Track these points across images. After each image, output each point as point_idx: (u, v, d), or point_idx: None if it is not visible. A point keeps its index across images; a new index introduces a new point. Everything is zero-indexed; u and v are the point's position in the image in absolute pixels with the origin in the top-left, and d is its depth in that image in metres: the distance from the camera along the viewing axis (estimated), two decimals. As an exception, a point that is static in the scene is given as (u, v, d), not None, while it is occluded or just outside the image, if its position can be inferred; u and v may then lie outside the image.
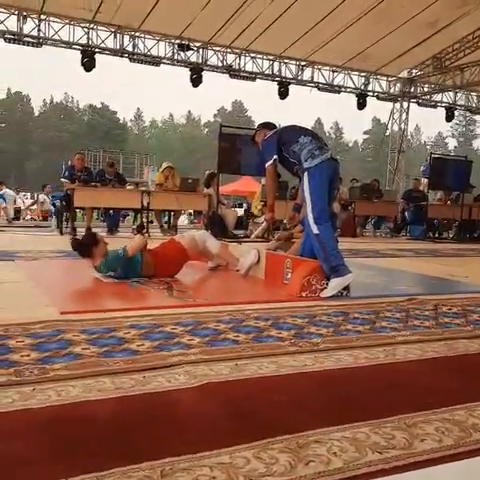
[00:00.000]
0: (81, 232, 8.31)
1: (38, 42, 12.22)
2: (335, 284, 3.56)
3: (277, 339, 2.42)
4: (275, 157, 3.89)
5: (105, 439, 1.38)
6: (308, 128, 4.14)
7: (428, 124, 73.10)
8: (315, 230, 3.64)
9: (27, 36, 12.08)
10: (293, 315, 2.95)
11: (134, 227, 9.53)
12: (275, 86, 14.95)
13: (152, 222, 10.36)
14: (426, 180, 12.01)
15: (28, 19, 11.92)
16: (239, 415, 1.57)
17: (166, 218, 10.23)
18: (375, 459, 1.31)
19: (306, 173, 3.70)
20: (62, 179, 8.55)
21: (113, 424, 1.47)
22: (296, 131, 3.94)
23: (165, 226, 9.57)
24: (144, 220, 9.22)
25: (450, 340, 2.53)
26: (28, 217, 16.59)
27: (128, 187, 9.68)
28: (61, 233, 8.43)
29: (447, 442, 1.42)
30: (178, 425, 1.49)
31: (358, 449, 1.36)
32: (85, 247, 3.90)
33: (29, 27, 12.03)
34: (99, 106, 61.06)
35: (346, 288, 3.64)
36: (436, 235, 11.56)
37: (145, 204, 8.76)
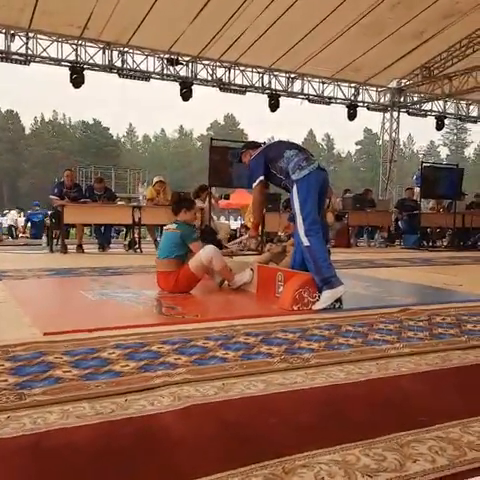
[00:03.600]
0: (72, 250, 8.25)
1: (26, 59, 12.19)
2: (327, 296, 3.50)
3: (267, 355, 2.35)
4: (261, 178, 3.91)
5: (80, 470, 1.30)
6: (293, 142, 4.14)
7: (421, 133, 73.59)
8: (306, 242, 3.59)
9: (15, 54, 12.06)
10: (284, 330, 2.88)
11: (125, 243, 9.48)
12: (266, 99, 14.98)
13: (144, 237, 10.29)
14: (419, 189, 12.02)
15: (16, 37, 11.91)
16: (224, 439, 1.50)
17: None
18: (365, 484, 1.24)
19: (295, 185, 3.67)
20: (51, 196, 8.47)
21: (90, 453, 1.39)
22: (281, 146, 3.95)
23: (159, 240, 9.49)
24: (136, 236, 9.14)
25: (444, 352, 2.47)
26: (20, 235, 16.56)
27: (119, 203, 9.60)
28: (51, 250, 8.34)
29: (441, 462, 1.35)
30: (159, 451, 1.41)
31: (347, 473, 1.29)
32: (179, 203, 4.41)
33: (17, 45, 12.03)
34: (91, 122, 61.15)
35: (339, 300, 3.58)
36: (430, 244, 11.53)
37: (137, 219, 8.69)
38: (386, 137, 17.56)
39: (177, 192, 9.39)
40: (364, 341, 2.66)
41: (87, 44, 12.69)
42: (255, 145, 4.26)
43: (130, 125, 70.72)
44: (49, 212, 9.57)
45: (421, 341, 2.68)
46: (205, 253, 4.08)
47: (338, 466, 1.32)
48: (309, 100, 15.64)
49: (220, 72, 14.38)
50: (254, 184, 3.94)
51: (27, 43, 12.06)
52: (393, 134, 17.25)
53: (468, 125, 53.73)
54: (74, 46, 12.55)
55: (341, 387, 1.97)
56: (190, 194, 9.49)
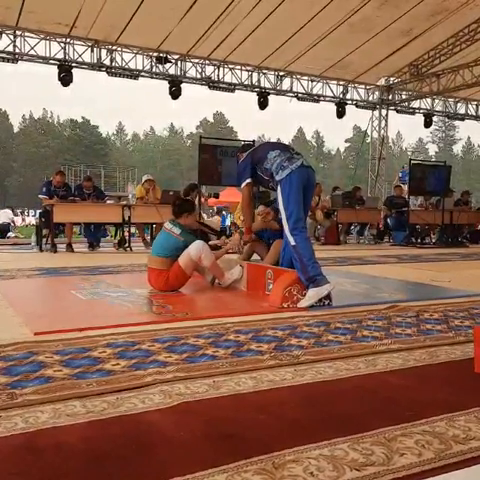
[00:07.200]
0: (62, 248, 8.21)
1: (14, 58, 12.11)
2: (312, 294, 3.52)
3: (257, 353, 2.37)
4: (248, 181, 3.99)
5: (72, 468, 1.31)
6: (278, 142, 4.19)
7: (409, 131, 73.96)
8: (292, 241, 3.63)
9: (2, 52, 11.97)
10: (274, 327, 2.91)
11: (115, 242, 9.44)
12: (255, 96, 14.97)
13: (134, 235, 10.27)
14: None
15: (3, 35, 11.81)
16: (214, 436, 1.52)
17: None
18: (353, 477, 1.26)
19: (278, 186, 3.73)
20: (40, 195, 8.43)
21: (82, 451, 1.40)
22: (265, 148, 4.02)
23: (148, 239, 9.48)
24: (125, 234, 9.12)
25: (432, 347, 2.50)
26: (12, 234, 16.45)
27: (108, 201, 9.56)
28: (41, 250, 8.31)
29: (427, 456, 1.38)
30: (149, 449, 1.43)
31: (336, 467, 1.31)
32: (182, 207, 4.34)
33: (4, 43, 11.93)
34: (80, 120, 60.80)
35: (328, 297, 3.60)
36: (418, 240, 11.60)
37: (126, 218, 8.67)
38: (375, 135, 17.65)
39: (167, 190, 9.39)
40: (353, 337, 2.69)
41: (75, 42, 12.61)
42: (247, 148, 4.30)
43: (119, 123, 70.57)
44: (39, 211, 9.49)
45: (409, 337, 2.71)
46: (193, 249, 4.08)
47: (327, 461, 1.34)
48: (298, 98, 15.66)
49: (209, 70, 14.37)
50: (242, 186, 4.02)
51: (14, 41, 11.98)
52: (382, 132, 17.33)
53: (456, 122, 53.97)
54: (62, 44, 12.47)
55: (330, 383, 1.99)
56: (179, 192, 9.51)
